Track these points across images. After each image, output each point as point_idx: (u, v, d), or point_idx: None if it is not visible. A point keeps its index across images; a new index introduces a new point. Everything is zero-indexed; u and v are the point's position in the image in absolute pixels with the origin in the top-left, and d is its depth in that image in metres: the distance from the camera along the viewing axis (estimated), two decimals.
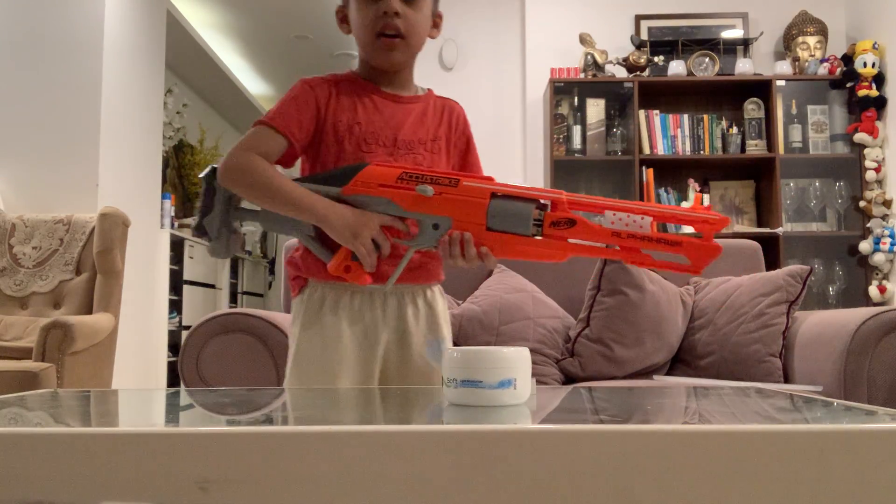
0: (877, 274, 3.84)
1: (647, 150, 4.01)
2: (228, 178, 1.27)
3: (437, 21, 1.41)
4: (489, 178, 1.19)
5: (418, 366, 1.35)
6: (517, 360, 0.89)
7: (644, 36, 4.21)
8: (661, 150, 4.02)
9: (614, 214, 1.04)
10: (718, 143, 4.05)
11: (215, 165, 1.28)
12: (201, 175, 1.29)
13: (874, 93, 3.85)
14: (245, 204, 1.29)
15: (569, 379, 2.26)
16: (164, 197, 4.60)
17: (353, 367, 1.32)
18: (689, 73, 4.05)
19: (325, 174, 1.27)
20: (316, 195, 1.24)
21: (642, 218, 1.04)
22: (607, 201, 1.07)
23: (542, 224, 1.09)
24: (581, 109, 4.09)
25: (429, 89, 1.45)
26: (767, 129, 4.01)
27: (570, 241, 1.09)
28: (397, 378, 1.36)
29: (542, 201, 1.11)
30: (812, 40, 4.09)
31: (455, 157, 1.43)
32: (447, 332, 1.41)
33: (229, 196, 1.26)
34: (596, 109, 4.07)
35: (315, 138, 1.34)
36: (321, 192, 1.23)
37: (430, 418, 0.89)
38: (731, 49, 4.14)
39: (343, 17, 1.40)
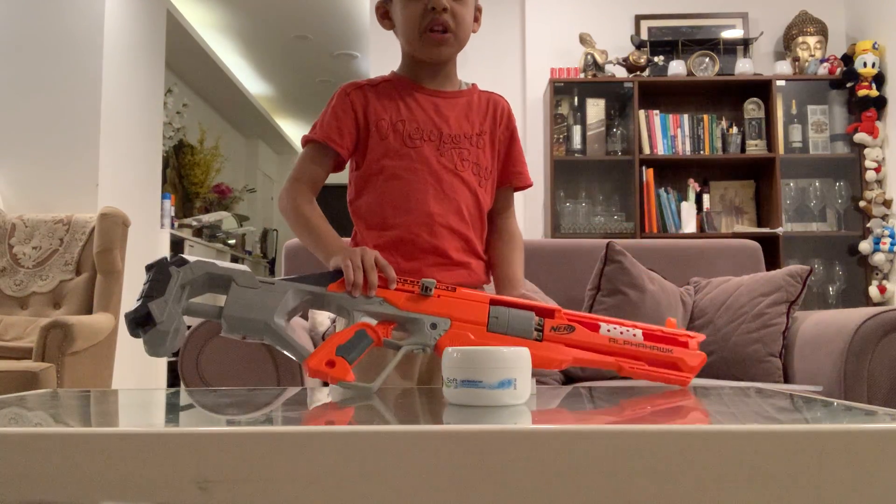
0: (877, 274, 3.84)
1: (647, 150, 4.01)
2: (280, 208, 1.37)
3: (477, 15, 1.41)
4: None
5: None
6: (517, 360, 0.89)
7: (644, 36, 4.20)
8: (661, 150, 4.02)
9: (608, 324, 1.09)
10: (718, 143, 4.05)
11: (166, 256, 1.13)
12: (154, 262, 1.10)
13: (874, 93, 3.85)
14: (198, 298, 1.16)
15: (569, 379, 2.26)
16: (164, 197, 4.60)
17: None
18: (689, 73, 4.05)
19: (315, 275, 1.17)
20: (336, 236, 1.29)
21: (633, 329, 1.10)
22: (598, 318, 1.10)
23: (543, 329, 1.09)
24: (581, 109, 4.08)
25: (473, 84, 1.45)
26: (767, 129, 4.01)
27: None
28: (428, 380, 1.35)
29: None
30: (812, 40, 4.09)
31: (499, 150, 1.44)
32: None
33: (183, 285, 1.12)
34: (596, 109, 4.07)
35: (360, 139, 1.36)
36: (307, 290, 1.14)
37: (430, 418, 0.89)
38: (731, 49, 4.14)
39: (384, 13, 1.40)
